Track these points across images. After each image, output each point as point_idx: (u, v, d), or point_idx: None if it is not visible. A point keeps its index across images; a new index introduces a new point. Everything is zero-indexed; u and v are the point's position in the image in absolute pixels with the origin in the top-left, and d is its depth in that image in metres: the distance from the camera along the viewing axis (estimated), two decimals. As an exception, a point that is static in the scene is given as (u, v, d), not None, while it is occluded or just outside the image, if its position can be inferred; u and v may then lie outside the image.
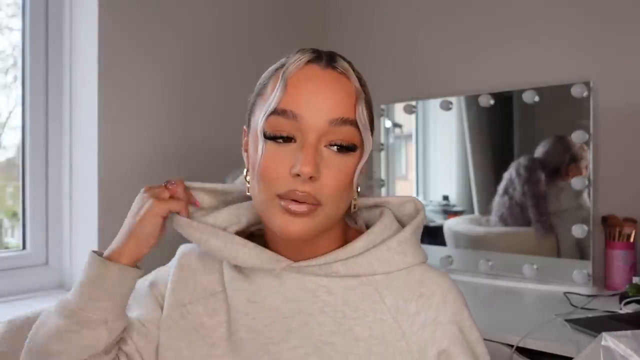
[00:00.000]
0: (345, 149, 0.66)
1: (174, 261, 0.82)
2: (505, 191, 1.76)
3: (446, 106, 1.89)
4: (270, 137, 0.66)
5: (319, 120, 0.65)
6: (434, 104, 1.92)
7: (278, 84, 0.66)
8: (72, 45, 1.47)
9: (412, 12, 2.00)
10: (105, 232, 1.43)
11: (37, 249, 1.44)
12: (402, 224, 0.77)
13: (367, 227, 0.78)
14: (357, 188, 0.72)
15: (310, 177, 0.64)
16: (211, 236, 0.72)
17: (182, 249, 0.83)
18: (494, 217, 1.80)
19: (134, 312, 0.78)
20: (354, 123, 0.66)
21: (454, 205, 1.91)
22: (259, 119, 0.67)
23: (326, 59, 0.68)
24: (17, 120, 1.46)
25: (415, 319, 0.68)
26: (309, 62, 0.67)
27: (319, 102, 0.65)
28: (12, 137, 1.49)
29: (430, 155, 1.99)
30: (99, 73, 1.41)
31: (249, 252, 0.70)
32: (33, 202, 1.44)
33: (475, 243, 1.84)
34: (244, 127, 0.74)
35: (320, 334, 0.69)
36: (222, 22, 1.75)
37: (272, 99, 0.66)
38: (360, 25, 2.11)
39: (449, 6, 1.92)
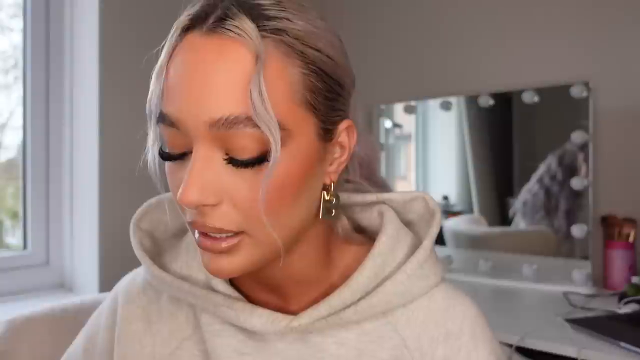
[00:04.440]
0: (248, 163, 0.45)
1: (110, 311, 0.63)
2: (540, 180, 1.72)
3: (446, 106, 1.89)
4: (164, 157, 0.49)
5: (197, 123, 0.44)
6: (434, 104, 1.93)
7: (155, 72, 0.49)
8: (73, 45, 1.47)
9: (412, 13, 2.01)
10: (106, 232, 1.43)
11: (37, 249, 1.45)
12: (410, 228, 0.59)
13: (363, 230, 0.61)
14: (331, 186, 0.53)
15: (204, 205, 0.45)
16: (188, 296, 0.56)
17: (122, 289, 0.64)
18: (518, 203, 1.78)
19: None
20: (248, 121, 0.43)
21: (454, 205, 1.92)
22: (149, 125, 0.50)
23: (213, 18, 0.46)
24: (18, 121, 1.46)
25: None
26: (186, 29, 0.48)
27: (194, 95, 0.44)
28: (13, 138, 1.49)
29: (430, 155, 1.99)
30: (100, 73, 1.42)
31: (237, 316, 0.53)
32: (34, 202, 1.44)
33: (475, 243, 1.84)
34: None
35: None
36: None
37: (148, 96, 0.48)
38: (360, 25, 2.11)
39: (449, 6, 1.92)
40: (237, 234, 0.47)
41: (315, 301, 0.54)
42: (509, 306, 1.48)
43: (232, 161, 0.45)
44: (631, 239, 1.54)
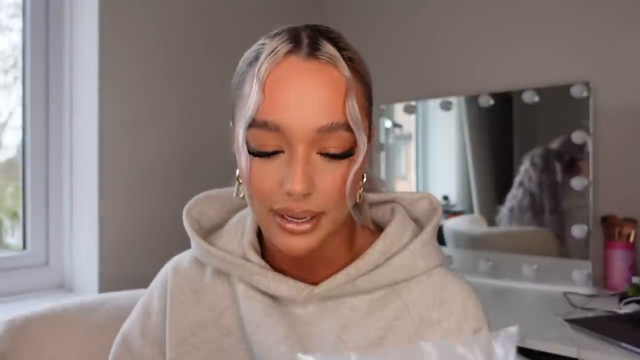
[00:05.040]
0: (339, 156, 0.59)
1: (161, 285, 0.76)
2: (520, 183, 1.75)
3: (446, 106, 1.89)
4: (255, 154, 0.59)
5: (305, 129, 0.56)
6: (434, 104, 1.93)
7: (253, 88, 0.57)
8: (73, 45, 1.47)
9: (412, 12, 2.00)
10: (106, 232, 1.43)
11: (37, 249, 1.45)
12: (416, 223, 0.72)
13: (377, 225, 0.73)
14: (361, 184, 0.66)
15: (306, 193, 0.57)
16: (229, 266, 0.69)
17: (171, 266, 0.77)
18: (504, 209, 1.79)
19: None
20: (345, 126, 0.58)
21: (454, 205, 1.92)
22: (239, 129, 0.59)
23: (307, 47, 0.58)
24: (17, 121, 1.46)
25: (438, 328, 0.65)
26: (286, 53, 0.58)
27: (302, 107, 0.56)
28: (13, 137, 1.49)
29: (430, 155, 1.99)
30: (100, 73, 1.42)
31: (268, 284, 0.66)
32: (33, 202, 1.44)
33: (475, 243, 1.84)
34: (230, 123, 0.67)
35: (344, 349, 0.65)
36: (223, 21, 1.75)
37: (248, 106, 0.57)
38: (360, 26, 2.11)
39: (449, 6, 1.92)
40: (317, 215, 0.59)
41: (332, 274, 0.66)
42: (509, 306, 1.48)
43: (327, 156, 0.58)
44: (631, 239, 1.54)
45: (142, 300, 0.78)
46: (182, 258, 0.77)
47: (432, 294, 0.66)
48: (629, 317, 1.24)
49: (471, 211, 1.88)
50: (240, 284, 0.69)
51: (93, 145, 1.42)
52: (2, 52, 1.47)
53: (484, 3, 1.85)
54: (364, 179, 0.66)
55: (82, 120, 1.45)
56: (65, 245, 1.48)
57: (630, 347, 1.05)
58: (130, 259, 1.47)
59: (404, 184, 2.05)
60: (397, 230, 0.68)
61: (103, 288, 1.41)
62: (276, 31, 0.61)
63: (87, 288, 1.44)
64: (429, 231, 0.68)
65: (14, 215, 1.49)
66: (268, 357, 0.65)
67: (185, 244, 0.82)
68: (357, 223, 0.71)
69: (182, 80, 1.63)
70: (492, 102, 1.80)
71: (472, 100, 1.85)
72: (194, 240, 0.72)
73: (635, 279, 1.46)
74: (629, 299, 1.33)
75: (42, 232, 1.46)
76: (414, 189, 1.99)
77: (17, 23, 1.45)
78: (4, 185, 1.51)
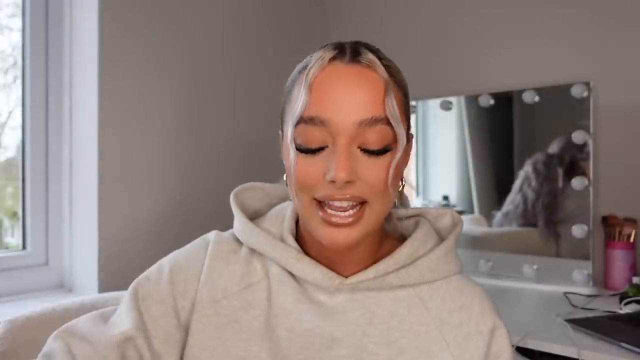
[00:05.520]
0: (378, 152, 0.64)
1: (202, 246, 0.77)
2: (520, 189, 1.75)
3: (446, 106, 1.89)
4: (301, 150, 0.64)
5: (348, 122, 0.62)
6: (434, 104, 1.93)
7: (302, 89, 0.64)
8: (72, 45, 1.47)
9: (412, 13, 2.00)
10: (105, 232, 1.43)
11: (37, 249, 1.44)
12: (438, 235, 0.77)
13: (401, 237, 0.78)
14: (401, 185, 0.71)
15: (348, 182, 0.62)
16: (268, 246, 0.73)
17: (215, 232, 0.79)
18: (500, 214, 1.79)
19: (151, 313, 0.72)
20: (384, 120, 0.63)
21: (454, 205, 1.92)
22: (288, 126, 0.66)
23: (349, 53, 0.65)
24: (17, 120, 1.46)
25: (459, 330, 0.70)
26: (331, 59, 0.65)
27: (346, 103, 0.63)
28: (12, 137, 1.49)
29: (430, 155, 1.99)
30: (99, 73, 1.41)
31: (303, 269, 0.70)
32: (33, 202, 1.44)
33: (475, 243, 1.84)
34: (279, 131, 0.73)
35: (365, 344, 0.69)
36: (223, 20, 1.75)
37: (297, 105, 0.64)
38: (359, 26, 2.11)
39: (449, 7, 1.92)
40: (361, 204, 0.64)
41: (359, 271, 0.70)
42: (509, 306, 1.48)
43: (366, 151, 0.64)
44: (632, 239, 1.54)
45: (180, 253, 0.78)
46: (222, 233, 0.80)
47: (452, 299, 0.72)
48: (629, 317, 1.24)
49: (471, 211, 1.88)
50: (273, 267, 0.73)
51: (93, 145, 1.42)
52: (2, 52, 1.47)
53: (484, 3, 1.85)
54: (403, 180, 0.72)
55: (82, 120, 1.45)
56: (65, 245, 1.48)
57: (630, 347, 1.05)
58: (130, 259, 1.47)
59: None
60: (422, 237, 0.74)
61: (103, 288, 1.41)
62: (323, 45, 0.68)
63: (87, 288, 1.44)
64: (451, 239, 0.75)
65: (13, 215, 1.49)
66: (296, 341, 0.70)
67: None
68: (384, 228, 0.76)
69: (182, 80, 1.63)
70: (492, 102, 1.80)
71: (472, 100, 1.85)
72: (240, 219, 0.76)
73: (635, 279, 1.46)
74: (630, 299, 1.33)
75: (41, 232, 1.45)
76: (414, 189, 2.00)
77: (17, 23, 1.45)
78: (3, 185, 1.51)
